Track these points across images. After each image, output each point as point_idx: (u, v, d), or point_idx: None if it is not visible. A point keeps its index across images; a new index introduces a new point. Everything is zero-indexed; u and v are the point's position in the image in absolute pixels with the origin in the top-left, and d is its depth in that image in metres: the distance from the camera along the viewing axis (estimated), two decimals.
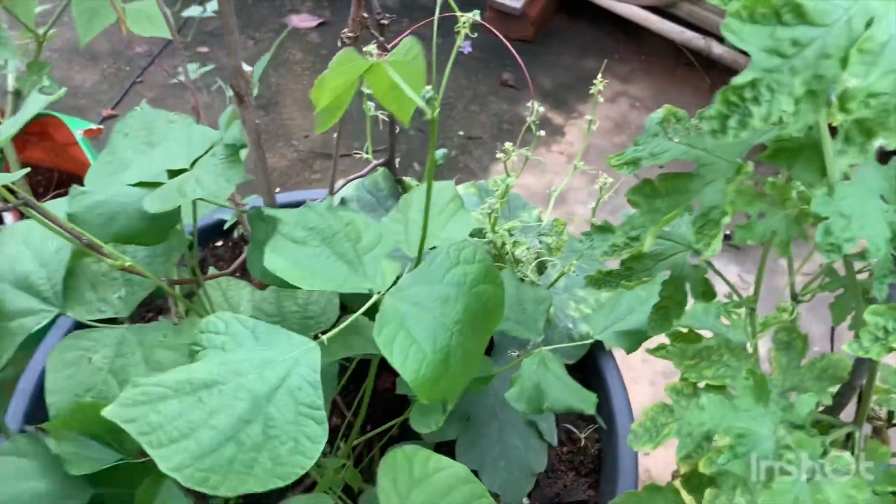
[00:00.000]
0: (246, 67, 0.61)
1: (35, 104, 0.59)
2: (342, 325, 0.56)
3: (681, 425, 0.47)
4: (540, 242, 0.87)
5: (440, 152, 0.87)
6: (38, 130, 1.23)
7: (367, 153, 0.87)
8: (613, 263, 0.56)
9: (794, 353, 0.47)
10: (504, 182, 0.75)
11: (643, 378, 1.38)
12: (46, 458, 0.59)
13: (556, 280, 0.84)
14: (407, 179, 0.86)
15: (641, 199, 0.45)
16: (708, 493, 0.48)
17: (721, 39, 1.77)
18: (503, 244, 0.82)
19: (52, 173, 1.30)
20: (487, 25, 0.93)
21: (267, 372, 0.50)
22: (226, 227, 0.99)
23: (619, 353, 0.87)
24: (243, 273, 0.82)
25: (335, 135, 0.77)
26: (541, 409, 0.70)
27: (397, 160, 0.86)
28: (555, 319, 0.88)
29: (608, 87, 1.91)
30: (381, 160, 0.82)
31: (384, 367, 0.67)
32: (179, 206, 0.61)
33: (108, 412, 0.46)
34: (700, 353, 0.49)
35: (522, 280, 0.82)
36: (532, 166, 1.41)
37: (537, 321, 0.78)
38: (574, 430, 0.91)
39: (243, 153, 0.60)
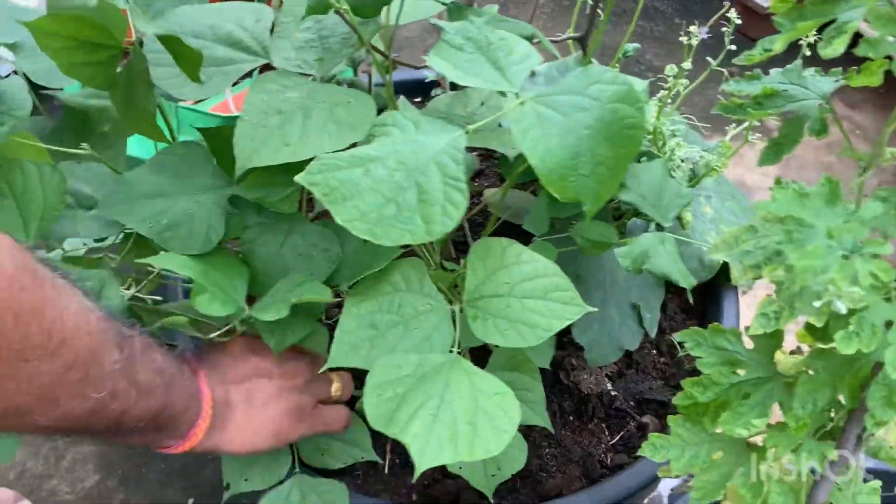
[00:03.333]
0: None
1: None
2: (485, 121, 0.64)
3: (757, 238, 0.51)
4: (701, 156, 0.90)
5: (631, 46, 0.92)
6: None
7: (567, 33, 0.94)
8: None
9: (890, 206, 0.48)
10: (681, 68, 0.79)
11: None
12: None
13: (700, 178, 0.87)
14: (595, 62, 0.92)
15: (786, 20, 0.49)
16: (763, 301, 0.51)
17: None
18: (663, 140, 0.86)
19: None
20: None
21: (420, 150, 0.60)
22: (427, 80, 1.10)
23: None
24: None
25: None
26: (640, 270, 0.74)
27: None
28: (692, 234, 0.91)
29: None
30: (578, 34, 0.88)
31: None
32: None
33: (299, 178, 0.58)
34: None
35: (672, 177, 0.86)
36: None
37: (669, 211, 0.82)
38: (677, 345, 0.94)
39: None
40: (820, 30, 0.48)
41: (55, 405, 0.49)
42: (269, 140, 0.65)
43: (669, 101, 0.84)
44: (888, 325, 0.45)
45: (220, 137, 0.71)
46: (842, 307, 0.41)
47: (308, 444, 0.78)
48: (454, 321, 0.67)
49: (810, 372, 0.53)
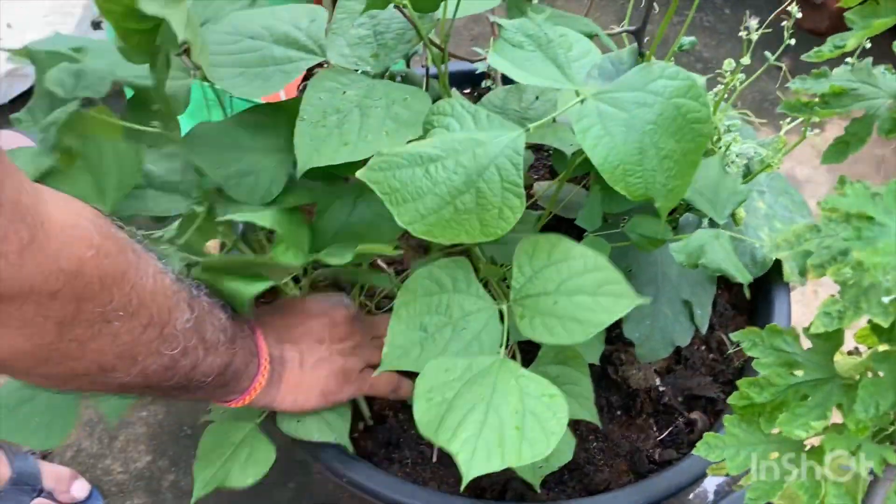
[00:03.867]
0: None
1: None
2: (544, 120, 0.64)
3: (821, 238, 0.50)
4: (756, 152, 0.89)
5: (687, 40, 0.91)
6: None
7: (622, 26, 0.94)
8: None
9: None
10: (739, 62, 0.78)
11: None
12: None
13: (756, 173, 0.86)
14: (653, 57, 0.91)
15: (858, 18, 0.48)
16: (826, 300, 0.50)
17: None
18: (718, 135, 0.85)
19: None
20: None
21: (479, 152, 0.61)
22: (477, 71, 1.10)
23: None
24: None
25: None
26: (696, 264, 0.74)
27: (646, 39, 0.91)
28: (745, 230, 0.90)
29: None
30: (632, 27, 0.88)
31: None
32: None
33: (360, 174, 0.60)
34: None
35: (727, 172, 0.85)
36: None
37: (725, 208, 0.81)
38: (727, 341, 0.93)
39: None
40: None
41: (134, 362, 0.54)
42: (329, 140, 0.66)
43: (726, 96, 0.83)
44: None
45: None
46: None
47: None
48: (502, 318, 0.67)
49: (871, 374, 0.52)
